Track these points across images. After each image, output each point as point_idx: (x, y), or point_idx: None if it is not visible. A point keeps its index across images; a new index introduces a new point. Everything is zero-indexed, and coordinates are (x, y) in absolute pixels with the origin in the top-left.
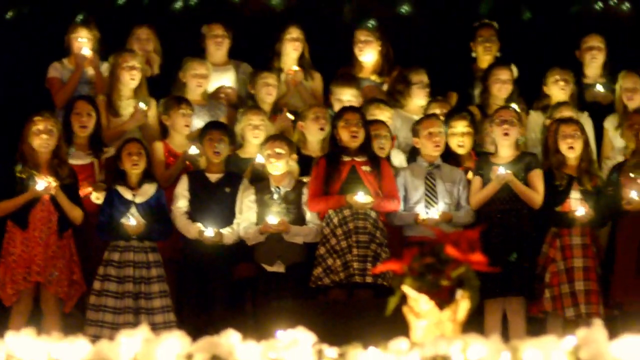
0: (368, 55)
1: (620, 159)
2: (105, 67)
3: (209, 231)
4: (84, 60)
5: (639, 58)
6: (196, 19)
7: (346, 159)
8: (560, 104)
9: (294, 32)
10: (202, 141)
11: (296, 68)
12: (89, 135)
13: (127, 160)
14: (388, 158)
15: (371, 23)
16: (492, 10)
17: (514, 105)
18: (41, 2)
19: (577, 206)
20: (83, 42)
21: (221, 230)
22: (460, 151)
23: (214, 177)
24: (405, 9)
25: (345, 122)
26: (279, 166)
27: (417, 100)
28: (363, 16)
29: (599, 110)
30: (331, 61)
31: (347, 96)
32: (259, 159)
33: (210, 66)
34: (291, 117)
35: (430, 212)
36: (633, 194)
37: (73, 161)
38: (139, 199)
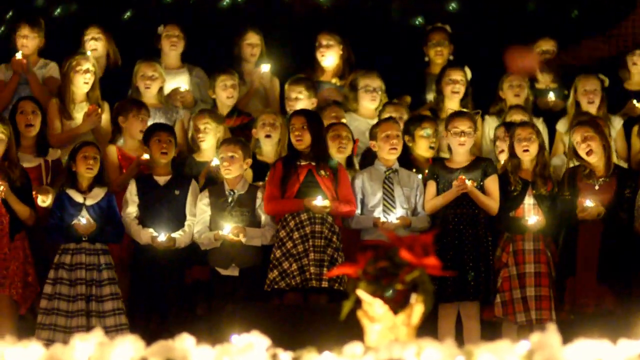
0: (329, 58)
1: (562, 160)
2: (54, 69)
3: (161, 237)
4: (19, 65)
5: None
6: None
7: (303, 162)
8: (512, 107)
9: (251, 38)
10: (149, 143)
11: (267, 68)
12: (36, 137)
13: (82, 163)
14: (350, 160)
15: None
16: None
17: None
18: None
19: (530, 214)
20: (23, 42)
21: (173, 235)
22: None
23: (162, 179)
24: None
25: (291, 126)
26: (232, 170)
27: (364, 103)
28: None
29: (551, 117)
30: (289, 69)
31: (295, 94)
32: (215, 162)
33: (159, 68)
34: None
35: (390, 217)
36: (588, 203)
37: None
38: (89, 202)
